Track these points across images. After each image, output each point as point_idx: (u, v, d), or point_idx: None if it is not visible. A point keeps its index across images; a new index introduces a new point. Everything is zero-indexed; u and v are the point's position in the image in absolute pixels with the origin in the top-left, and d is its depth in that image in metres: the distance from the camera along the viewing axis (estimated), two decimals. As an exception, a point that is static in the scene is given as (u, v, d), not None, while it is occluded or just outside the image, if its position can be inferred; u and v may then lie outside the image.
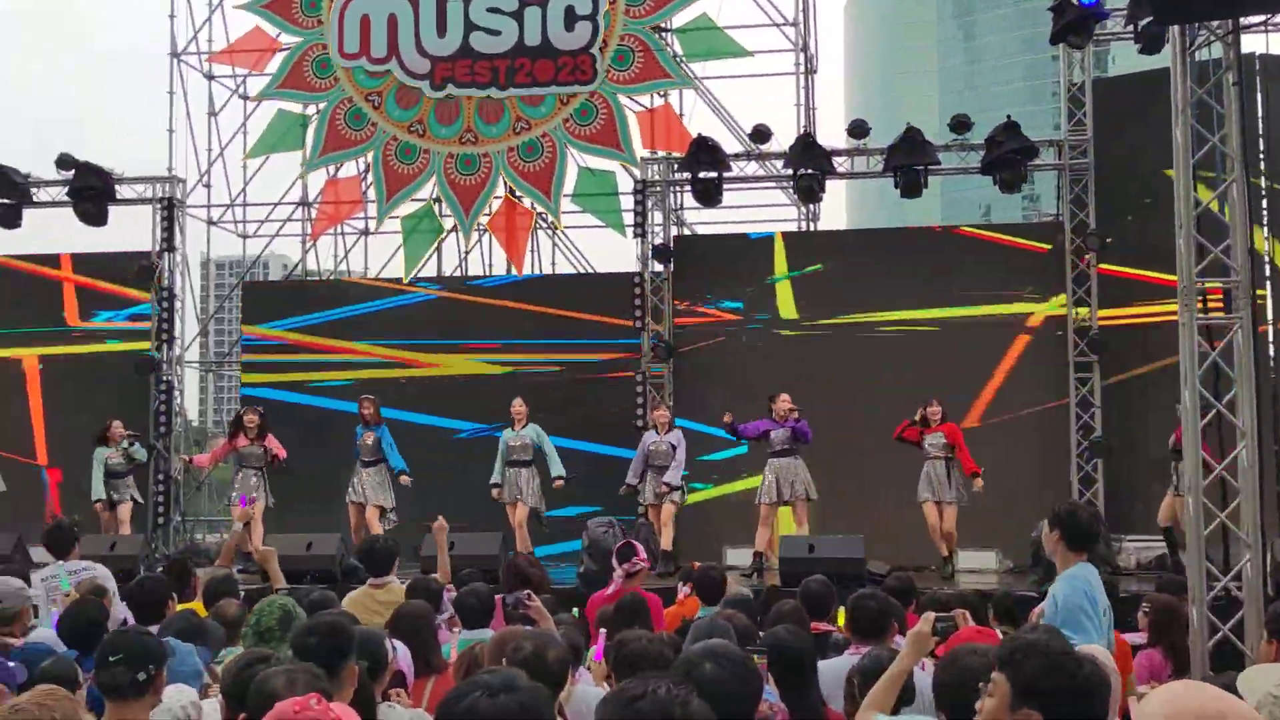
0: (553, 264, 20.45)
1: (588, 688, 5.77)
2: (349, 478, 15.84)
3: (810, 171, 17.30)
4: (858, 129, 17.73)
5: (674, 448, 15.42)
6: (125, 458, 16.53)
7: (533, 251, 20.14)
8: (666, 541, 15.20)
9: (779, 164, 18.02)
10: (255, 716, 3.98)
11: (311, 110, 19.55)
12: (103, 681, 4.80)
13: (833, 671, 5.96)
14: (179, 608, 8.04)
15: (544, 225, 19.89)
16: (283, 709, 3.59)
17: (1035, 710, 3.37)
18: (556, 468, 15.66)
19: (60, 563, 9.56)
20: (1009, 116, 17.31)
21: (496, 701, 2.87)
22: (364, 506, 15.63)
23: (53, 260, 19.37)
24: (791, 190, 18.21)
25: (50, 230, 19.79)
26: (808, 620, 7.08)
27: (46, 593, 8.92)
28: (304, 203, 20.39)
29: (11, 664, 6.35)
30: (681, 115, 18.95)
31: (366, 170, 19.54)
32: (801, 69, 19.10)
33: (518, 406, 15.81)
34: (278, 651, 5.30)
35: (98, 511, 16.41)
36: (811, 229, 19.24)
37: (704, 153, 17.45)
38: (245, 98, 20.37)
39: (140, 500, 17.06)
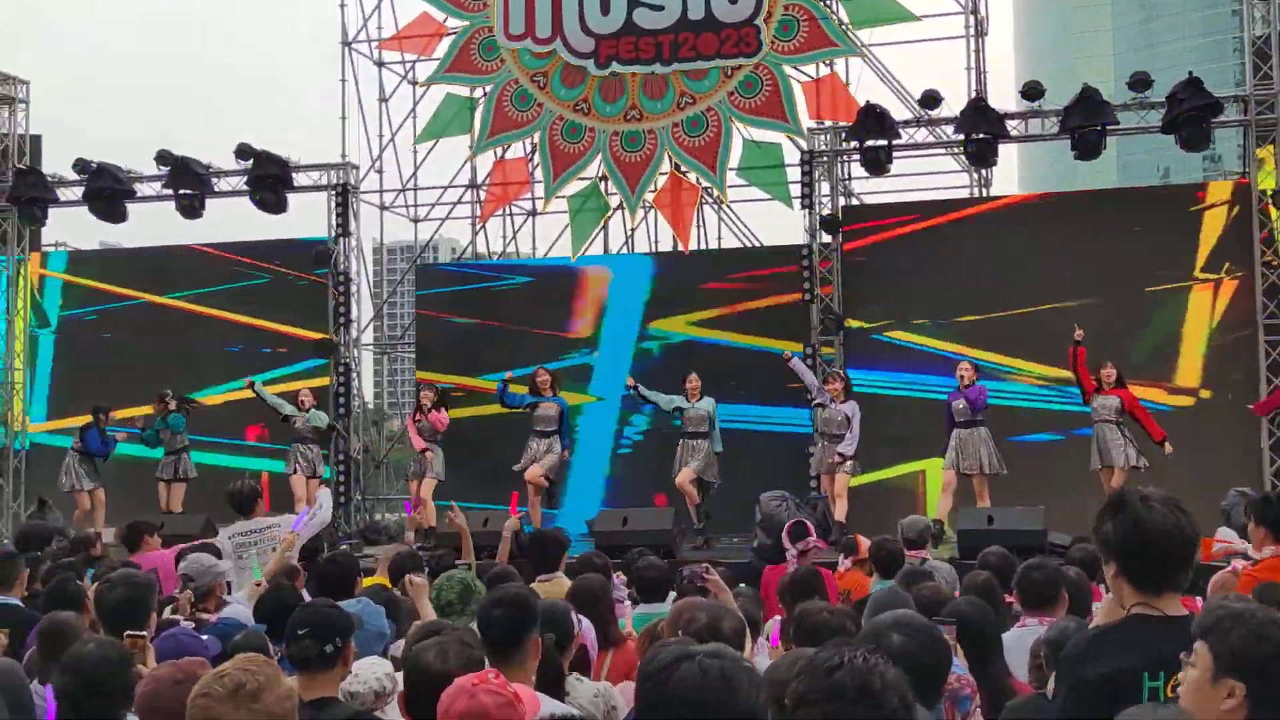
0: (719, 238, 20.41)
1: (764, 659, 5.72)
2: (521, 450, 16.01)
3: (982, 136, 16.95)
4: (1032, 91, 17.28)
5: (849, 419, 15.23)
6: (305, 424, 16.82)
7: (699, 226, 20.11)
8: (841, 513, 15.05)
9: (949, 130, 17.67)
10: (412, 690, 4.00)
11: (479, 93, 19.74)
12: (292, 654, 4.88)
13: (1008, 643, 5.86)
14: (366, 583, 8.20)
15: (709, 200, 19.82)
16: (462, 683, 3.64)
17: (1239, 681, 3.21)
18: (717, 443, 15.64)
19: (242, 522, 9.82)
20: (1190, 73, 16.73)
21: (699, 665, 2.85)
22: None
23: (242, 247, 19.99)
24: (963, 156, 17.87)
25: (230, 219, 20.36)
26: (1000, 592, 6.92)
27: (234, 549, 9.15)
28: (473, 185, 20.61)
29: (205, 637, 6.55)
30: (848, 84, 18.68)
31: (533, 151, 19.67)
32: (971, 32, 18.66)
33: (693, 381, 15.77)
34: (456, 624, 5.37)
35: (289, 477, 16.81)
36: (984, 195, 18.82)
37: (872, 120, 17.20)
38: (414, 83, 20.66)
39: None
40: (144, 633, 5.57)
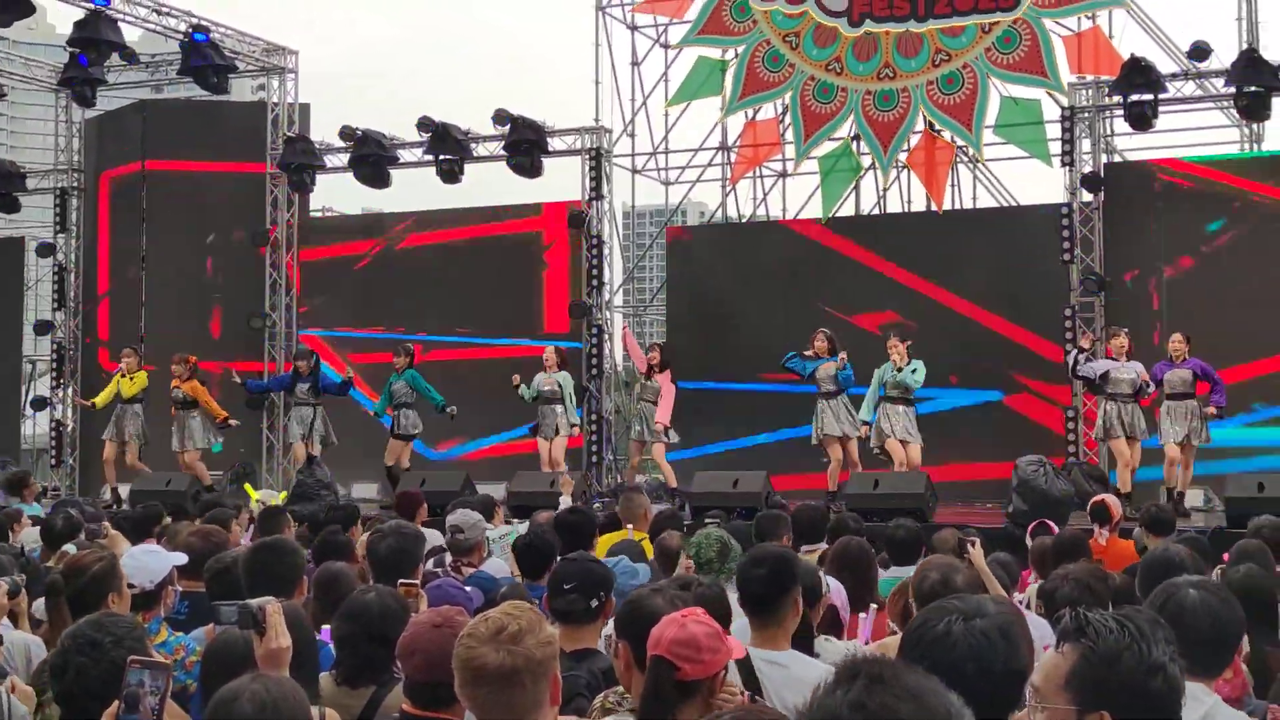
0: (974, 198, 20.00)
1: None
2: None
3: (1255, 89, 16.16)
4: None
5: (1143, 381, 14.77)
6: (557, 384, 16.99)
7: (953, 186, 19.74)
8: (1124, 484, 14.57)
9: (1219, 83, 16.91)
10: (635, 637, 4.01)
11: (730, 55, 19.70)
12: (557, 608, 4.99)
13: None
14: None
15: (964, 159, 19.42)
16: (672, 616, 3.81)
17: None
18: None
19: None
20: None
21: (970, 626, 2.80)
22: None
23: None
24: (1233, 111, 17.09)
25: (489, 183, 20.86)
26: (1272, 559, 6.72)
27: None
28: (723, 147, 20.64)
29: (469, 589, 6.77)
30: (1111, 36, 18.02)
31: (784, 112, 19.55)
32: (1242, -20, 17.80)
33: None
34: (714, 583, 5.41)
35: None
36: (1256, 150, 17.97)
37: (1137, 74, 16.53)
38: (666, 46, 20.79)
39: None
40: (415, 581, 5.79)
